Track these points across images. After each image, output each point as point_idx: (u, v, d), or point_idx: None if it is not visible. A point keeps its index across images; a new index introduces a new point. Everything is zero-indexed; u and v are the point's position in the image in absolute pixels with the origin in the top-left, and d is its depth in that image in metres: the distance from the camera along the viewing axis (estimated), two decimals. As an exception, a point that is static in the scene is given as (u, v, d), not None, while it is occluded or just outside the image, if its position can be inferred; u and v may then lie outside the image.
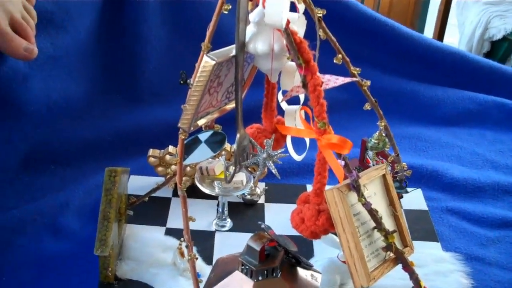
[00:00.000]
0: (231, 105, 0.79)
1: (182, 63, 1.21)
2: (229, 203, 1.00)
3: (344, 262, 0.82)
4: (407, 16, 2.69)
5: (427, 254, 0.93)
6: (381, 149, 0.92)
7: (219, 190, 0.94)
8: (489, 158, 1.21)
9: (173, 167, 1.03)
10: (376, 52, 1.40)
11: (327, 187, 0.71)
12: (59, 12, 1.05)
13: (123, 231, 0.93)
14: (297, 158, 0.84)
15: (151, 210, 1.00)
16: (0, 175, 1.00)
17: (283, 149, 0.79)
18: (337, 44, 0.72)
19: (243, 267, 0.69)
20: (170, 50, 1.24)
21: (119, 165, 0.93)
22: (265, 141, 0.76)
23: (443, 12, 2.54)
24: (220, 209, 0.99)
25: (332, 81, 0.71)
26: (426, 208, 1.05)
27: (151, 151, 1.03)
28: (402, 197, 1.02)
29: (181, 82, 0.69)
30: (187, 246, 0.76)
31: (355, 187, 0.69)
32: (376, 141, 0.92)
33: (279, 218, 0.97)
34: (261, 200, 1.05)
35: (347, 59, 0.74)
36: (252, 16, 0.70)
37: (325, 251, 0.90)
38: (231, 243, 0.95)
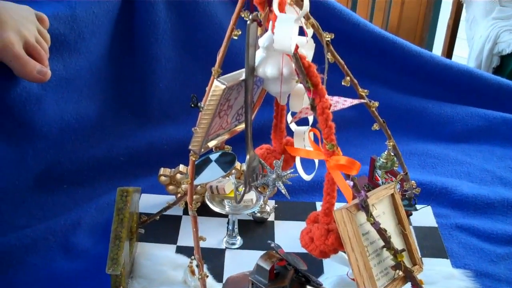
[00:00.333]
0: (241, 127, 0.79)
1: (193, 83, 1.25)
2: (239, 221, 1.01)
3: (353, 279, 0.82)
4: (416, 31, 2.69)
5: (436, 271, 0.93)
6: (389, 168, 0.93)
7: (229, 208, 0.95)
8: (499, 174, 1.21)
9: (183, 185, 1.04)
10: (386, 70, 1.41)
11: (336, 205, 0.72)
12: (72, 34, 1.06)
13: (134, 249, 0.94)
14: (306, 178, 0.84)
15: (162, 228, 1.01)
16: (13, 194, 1.01)
17: (292, 169, 0.80)
18: (345, 67, 0.72)
19: (253, 286, 0.70)
20: (181, 70, 1.25)
21: (130, 184, 0.93)
22: (274, 162, 0.77)
23: (452, 27, 2.55)
24: (230, 227, 0.99)
25: (341, 103, 0.72)
26: (436, 225, 1.05)
27: (162, 170, 1.03)
28: (411, 214, 1.03)
29: (192, 105, 0.70)
30: (197, 266, 0.76)
31: (364, 207, 0.70)
32: (384, 161, 0.93)
33: (289, 236, 0.98)
34: (271, 217, 1.06)
35: (355, 81, 0.75)
36: (262, 41, 0.71)
37: (334, 268, 0.91)
38: (241, 261, 0.95)
